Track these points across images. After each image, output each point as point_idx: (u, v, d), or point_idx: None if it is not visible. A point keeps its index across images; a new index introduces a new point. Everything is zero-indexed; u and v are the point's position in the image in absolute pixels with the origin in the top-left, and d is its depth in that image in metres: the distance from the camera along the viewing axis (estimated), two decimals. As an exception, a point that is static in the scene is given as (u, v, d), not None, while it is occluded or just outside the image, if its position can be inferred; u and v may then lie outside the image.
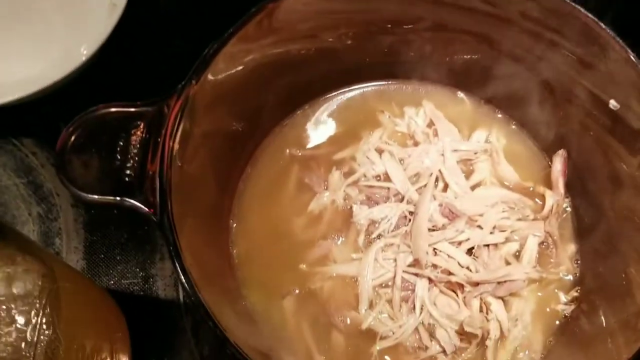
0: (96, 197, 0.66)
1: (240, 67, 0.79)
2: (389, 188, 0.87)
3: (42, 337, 0.63)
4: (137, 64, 1.10)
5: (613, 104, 0.75)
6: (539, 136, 0.92)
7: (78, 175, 0.67)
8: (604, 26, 0.73)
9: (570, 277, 0.83)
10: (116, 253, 0.98)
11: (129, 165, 0.67)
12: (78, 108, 0.70)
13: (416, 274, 0.81)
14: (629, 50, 0.72)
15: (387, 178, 0.88)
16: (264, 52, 0.81)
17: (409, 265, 0.81)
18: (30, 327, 0.62)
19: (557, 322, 0.81)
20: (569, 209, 0.87)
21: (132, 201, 0.66)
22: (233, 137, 0.86)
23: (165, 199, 0.65)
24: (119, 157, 0.67)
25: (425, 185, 0.86)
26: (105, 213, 1.00)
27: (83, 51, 1.03)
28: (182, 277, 0.61)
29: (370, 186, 0.88)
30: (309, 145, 0.93)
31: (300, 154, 0.92)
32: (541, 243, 0.84)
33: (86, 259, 0.97)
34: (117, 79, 1.07)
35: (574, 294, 0.82)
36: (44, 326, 0.64)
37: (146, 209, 0.65)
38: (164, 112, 0.68)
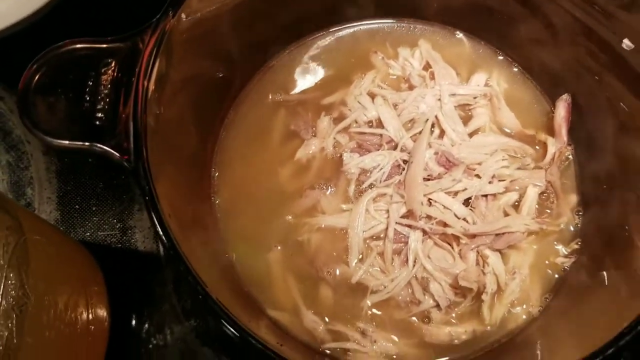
0: (63, 142, 0.61)
1: (222, 2, 0.72)
2: (381, 135, 0.82)
3: (7, 293, 0.58)
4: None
5: (627, 43, 0.69)
6: (542, 80, 0.87)
7: (43, 118, 0.61)
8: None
9: (572, 228, 0.80)
10: (92, 203, 0.93)
11: (99, 107, 0.61)
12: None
13: (410, 226, 0.77)
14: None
15: (380, 124, 0.83)
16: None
17: (402, 217, 0.77)
18: (-7, 283, 0.57)
19: (556, 276, 0.78)
20: (571, 157, 0.83)
21: (103, 147, 0.60)
22: (214, 80, 0.81)
23: (140, 145, 0.59)
24: (88, 98, 0.61)
25: (420, 132, 0.81)
26: (79, 161, 0.94)
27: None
28: (160, 229, 0.56)
29: (362, 133, 0.83)
30: (296, 89, 0.87)
31: (286, 99, 0.86)
32: (541, 193, 0.80)
33: (60, 209, 0.92)
34: (91, 14, 0.99)
35: (575, 246, 0.78)
36: (10, 282, 0.59)
37: (119, 155, 0.60)
38: (138, 48, 0.62)
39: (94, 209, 0.92)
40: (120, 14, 0.99)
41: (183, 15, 0.65)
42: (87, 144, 0.60)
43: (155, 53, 0.61)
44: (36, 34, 0.89)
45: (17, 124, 0.96)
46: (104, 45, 0.63)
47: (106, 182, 0.93)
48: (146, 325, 0.86)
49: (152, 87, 0.61)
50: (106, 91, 0.61)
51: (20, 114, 0.61)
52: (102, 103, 0.61)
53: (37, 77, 0.62)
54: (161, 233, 0.56)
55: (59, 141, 0.60)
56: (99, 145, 0.60)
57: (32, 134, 0.61)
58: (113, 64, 0.62)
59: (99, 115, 0.61)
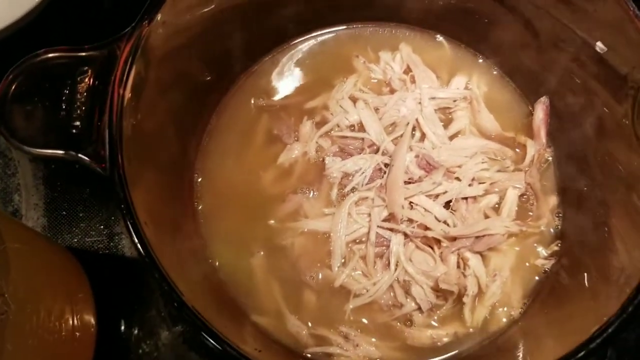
0: (40, 150, 0.61)
1: (200, 6, 0.73)
2: (363, 139, 0.82)
3: (-14, 302, 0.58)
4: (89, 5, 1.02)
5: (600, 46, 0.70)
6: (521, 83, 0.87)
7: (20, 126, 0.61)
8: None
9: (551, 230, 0.80)
10: (79, 210, 0.93)
11: (75, 115, 0.61)
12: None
13: (391, 229, 0.77)
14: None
15: (362, 128, 0.83)
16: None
17: (384, 220, 0.78)
18: (-28, 292, 0.57)
19: (537, 278, 0.78)
20: (550, 158, 0.83)
21: (79, 155, 0.60)
22: (195, 86, 0.81)
23: (115, 152, 0.60)
24: (64, 106, 0.62)
25: (401, 136, 0.81)
26: (66, 167, 0.94)
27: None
28: (134, 237, 0.56)
29: (344, 137, 0.83)
30: (278, 94, 0.88)
31: (268, 103, 0.87)
32: (521, 195, 0.80)
33: (47, 216, 0.93)
34: (70, 23, 0.99)
35: (555, 248, 0.79)
36: (-11, 291, 0.59)
37: (95, 163, 0.60)
38: (115, 56, 0.63)
39: (80, 215, 0.92)
40: (104, 22, 0.99)
41: (160, 22, 0.65)
42: (62, 152, 0.60)
43: (131, 61, 0.62)
44: (16, 43, 0.90)
45: (3, 131, 0.96)
46: (81, 54, 0.63)
47: (93, 189, 0.93)
48: (134, 331, 0.87)
49: (128, 94, 0.62)
50: (82, 99, 0.61)
51: (-3, 123, 0.62)
52: (78, 111, 0.61)
53: (13, 87, 0.62)
54: (136, 241, 0.56)
55: (36, 150, 0.61)
56: (74, 153, 0.60)
57: (9, 142, 0.61)
58: (89, 73, 0.62)
59: (76, 123, 0.61)
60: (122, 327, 0.87)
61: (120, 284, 0.89)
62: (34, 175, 0.95)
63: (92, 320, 0.82)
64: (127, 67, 0.61)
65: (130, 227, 0.57)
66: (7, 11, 0.88)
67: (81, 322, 0.78)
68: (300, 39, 0.90)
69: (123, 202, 0.57)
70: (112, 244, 0.91)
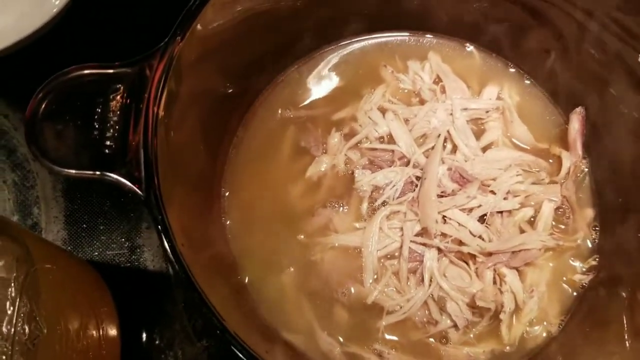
0: (73, 171, 0.59)
1: (230, 19, 0.71)
2: (393, 151, 0.81)
3: (19, 328, 0.57)
4: (116, 19, 1.00)
5: None
6: (554, 92, 0.85)
7: (51, 146, 0.60)
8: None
9: (589, 244, 0.78)
10: (99, 222, 0.91)
11: (108, 135, 0.60)
12: (54, 67, 0.62)
13: (424, 244, 0.75)
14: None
15: (392, 140, 0.82)
16: (254, 2, 0.73)
17: (417, 235, 0.76)
18: (6, 319, 0.56)
19: (575, 294, 0.76)
20: (585, 170, 0.81)
21: (114, 176, 0.59)
22: (223, 98, 0.79)
23: (151, 173, 0.58)
24: (97, 125, 0.60)
25: (432, 148, 0.79)
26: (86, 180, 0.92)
27: (55, 1, 0.93)
28: (175, 263, 0.55)
29: (373, 149, 0.82)
30: (305, 105, 0.86)
31: (295, 115, 0.85)
32: (557, 208, 0.78)
33: (67, 229, 0.91)
34: (94, 36, 0.97)
35: (592, 262, 0.77)
36: (22, 315, 0.58)
37: (131, 185, 0.58)
38: (146, 73, 0.61)
39: (101, 227, 0.91)
40: (123, 32, 0.97)
41: (191, 38, 0.64)
42: (97, 173, 0.59)
43: (164, 79, 0.60)
44: (38, 52, 0.89)
45: (22, 142, 0.95)
46: (111, 71, 0.61)
47: (113, 200, 0.92)
48: (158, 344, 0.85)
49: (162, 112, 0.60)
50: (115, 118, 0.60)
51: (27, 143, 0.60)
52: (111, 130, 0.59)
53: (44, 105, 0.60)
54: (177, 268, 0.54)
55: (68, 170, 0.59)
56: (109, 174, 0.59)
57: (40, 163, 0.59)
58: (121, 90, 0.60)
59: (108, 143, 0.59)
60: (145, 341, 0.85)
61: (143, 297, 0.87)
62: (53, 187, 0.93)
63: (117, 335, 0.80)
64: (161, 84, 0.60)
65: (169, 250, 0.55)
66: (31, 19, 0.86)
67: (106, 338, 0.77)
68: (326, 49, 0.88)
69: (161, 224, 0.56)
70: (133, 257, 0.90)
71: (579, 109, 0.80)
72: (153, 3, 0.99)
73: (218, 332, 0.54)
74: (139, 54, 0.63)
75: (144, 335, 0.85)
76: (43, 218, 0.92)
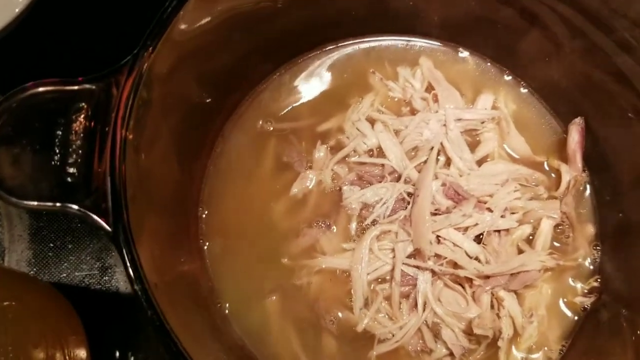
0: (32, 203, 0.53)
1: (206, 23, 0.65)
2: (383, 165, 0.76)
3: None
4: (79, 27, 0.92)
5: None
6: (552, 101, 0.81)
7: (7, 174, 0.53)
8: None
9: (589, 263, 0.74)
10: (67, 241, 0.86)
11: (71, 161, 0.53)
12: (8, 82, 0.57)
13: (418, 267, 0.71)
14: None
15: (381, 153, 0.77)
16: (232, 4, 0.67)
17: (409, 256, 0.71)
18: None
19: (576, 317, 0.72)
20: (587, 185, 0.77)
21: (77, 207, 0.53)
22: (199, 109, 0.73)
23: (119, 204, 0.52)
24: (57, 150, 0.54)
25: (425, 162, 0.74)
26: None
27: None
28: (145, 305, 0.49)
29: (362, 163, 0.77)
30: (288, 116, 0.80)
31: (277, 127, 0.79)
32: (556, 226, 0.74)
33: (32, 248, 0.85)
34: (55, 47, 0.90)
35: (594, 283, 0.73)
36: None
37: (96, 218, 0.52)
38: (112, 91, 0.55)
39: (69, 246, 0.85)
40: (87, 42, 0.90)
41: (164, 47, 0.58)
42: (58, 204, 0.52)
43: (133, 97, 0.54)
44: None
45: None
46: (74, 88, 0.55)
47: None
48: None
49: (130, 135, 0.54)
50: (78, 142, 0.53)
51: (-21, 172, 0.53)
52: (73, 155, 0.53)
53: (-3, 127, 0.54)
54: (149, 312, 0.49)
55: (26, 202, 0.53)
56: (71, 205, 0.52)
57: (-5, 194, 0.53)
58: (85, 110, 0.54)
59: (71, 170, 0.53)
60: (118, 366, 0.80)
61: (115, 322, 0.82)
62: (16, 203, 0.87)
63: (85, 360, 0.75)
64: (130, 103, 0.54)
65: (140, 293, 0.49)
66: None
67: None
68: (310, 54, 0.82)
69: (131, 265, 0.50)
70: (105, 278, 0.85)
71: (578, 120, 0.76)
72: (122, 8, 0.92)
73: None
74: (105, 67, 0.56)
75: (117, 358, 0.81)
76: (6, 237, 0.86)
